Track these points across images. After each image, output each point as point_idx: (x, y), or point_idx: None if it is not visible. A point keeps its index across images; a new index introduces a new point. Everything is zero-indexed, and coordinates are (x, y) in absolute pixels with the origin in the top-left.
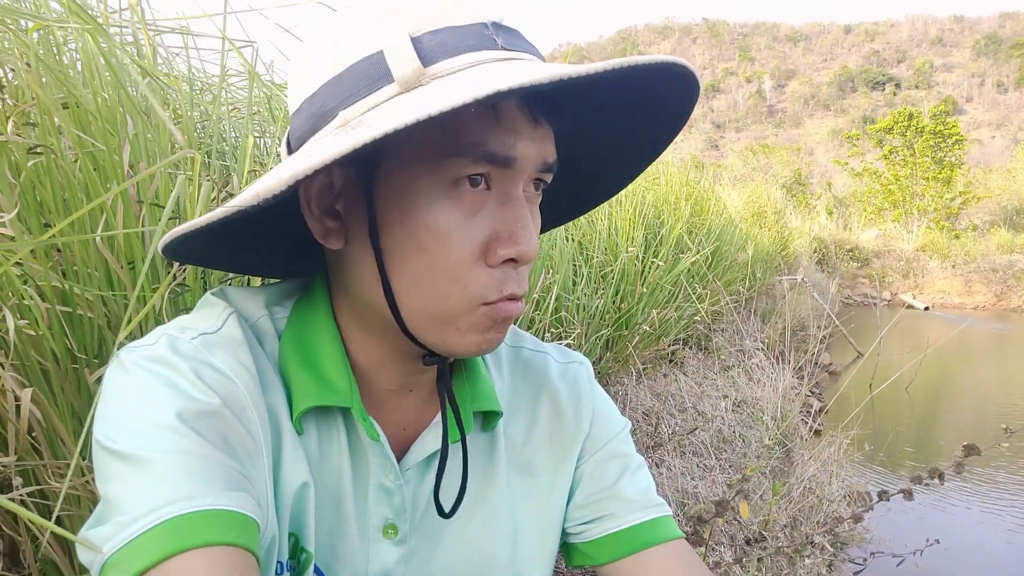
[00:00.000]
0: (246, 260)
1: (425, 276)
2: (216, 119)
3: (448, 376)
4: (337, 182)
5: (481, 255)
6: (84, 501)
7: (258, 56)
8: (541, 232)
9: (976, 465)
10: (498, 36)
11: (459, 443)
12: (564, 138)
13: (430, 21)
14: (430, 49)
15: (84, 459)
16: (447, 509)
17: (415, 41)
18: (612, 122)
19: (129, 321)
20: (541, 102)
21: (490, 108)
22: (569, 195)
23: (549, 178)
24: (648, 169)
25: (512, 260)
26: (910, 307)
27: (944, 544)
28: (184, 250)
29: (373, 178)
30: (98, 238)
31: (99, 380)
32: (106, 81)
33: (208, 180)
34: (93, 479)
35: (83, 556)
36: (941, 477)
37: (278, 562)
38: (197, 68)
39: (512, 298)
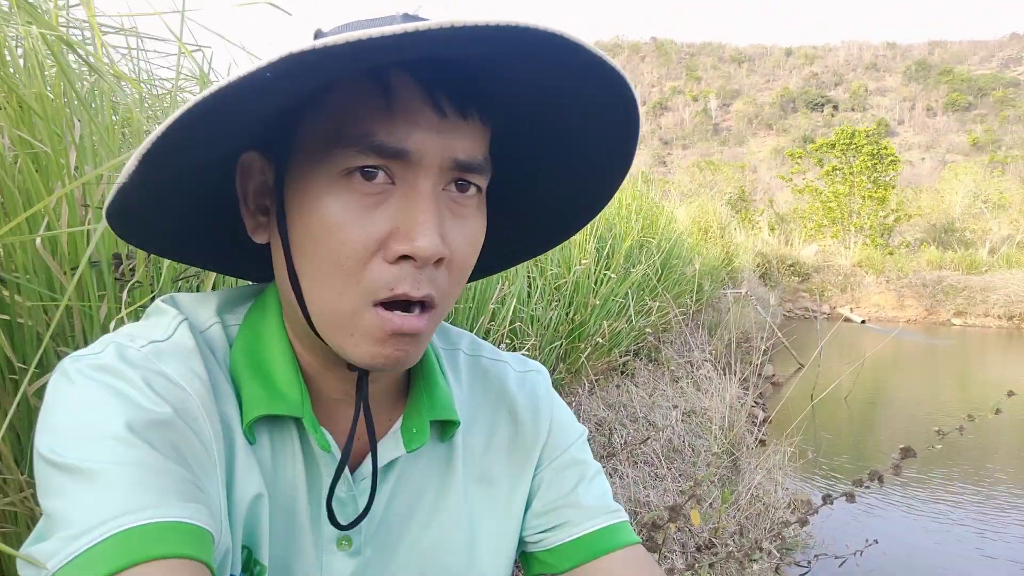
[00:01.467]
0: (213, 258)
1: (322, 270)
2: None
3: (366, 386)
4: (269, 178)
5: (379, 250)
6: (22, 518)
7: (211, 61)
8: (515, 263)
9: (910, 469)
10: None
11: (414, 454)
12: (520, 163)
13: (342, 18)
14: None
15: (23, 474)
16: (344, 522)
17: (319, 36)
18: (564, 144)
19: (73, 329)
20: (456, 93)
21: (382, 96)
22: (539, 225)
23: (477, 179)
24: None
25: (410, 258)
26: (848, 320)
27: (882, 544)
28: (136, 232)
29: (285, 172)
30: (39, 240)
31: (39, 392)
32: (51, 80)
33: None
34: (33, 495)
35: (25, 573)
36: (880, 480)
37: (231, 575)
38: (146, 71)
39: (407, 299)
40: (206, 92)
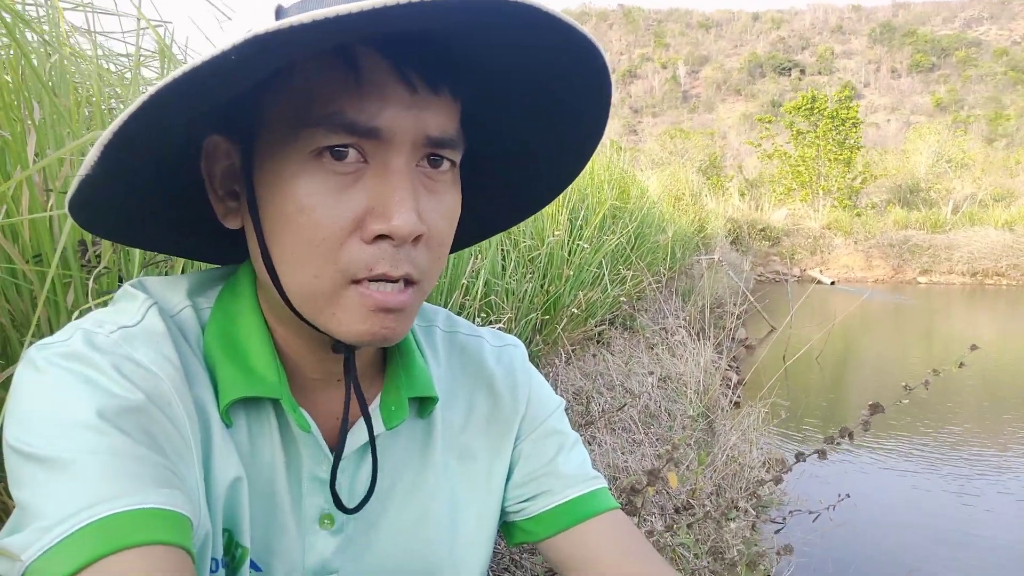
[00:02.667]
0: (181, 244)
1: (296, 252)
2: (129, 101)
3: (354, 366)
4: (236, 162)
5: (355, 230)
6: None
7: (173, 35)
8: (492, 234)
9: (879, 426)
10: None
11: (393, 431)
12: (496, 132)
13: None
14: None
15: None
16: (351, 505)
17: (282, 13)
18: (536, 114)
19: (38, 321)
20: (426, 68)
21: (350, 74)
22: (512, 194)
23: (450, 154)
24: None
25: (387, 237)
26: (818, 282)
27: (854, 499)
28: (100, 222)
29: (252, 154)
30: None
31: (4, 383)
32: (9, 61)
33: None
34: (3, 488)
35: None
36: (851, 436)
37: (212, 559)
38: (103, 48)
39: (386, 279)
40: (165, 80)
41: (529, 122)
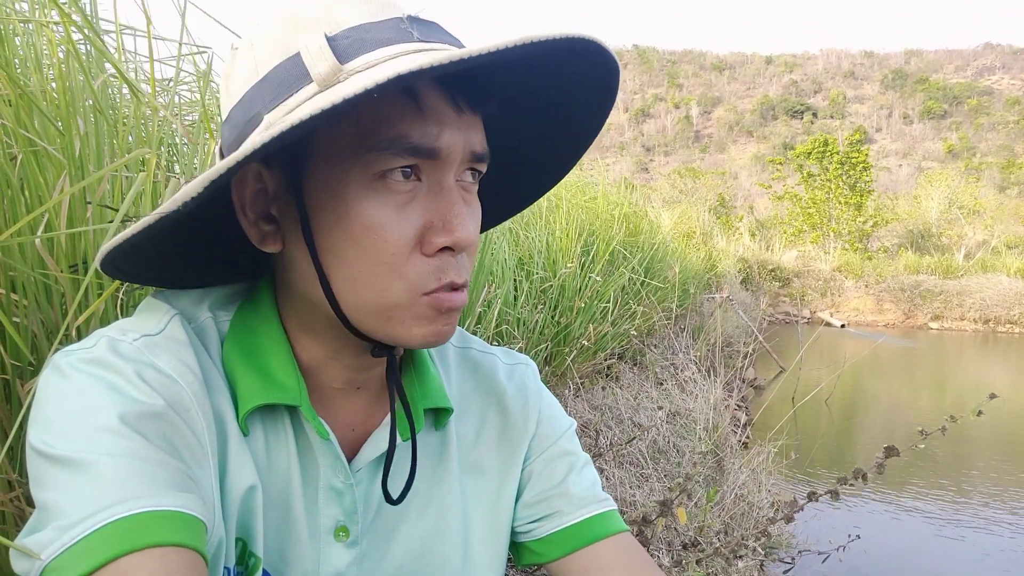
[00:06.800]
0: (189, 275)
1: (362, 270)
2: (168, 120)
3: (397, 370)
4: (270, 186)
5: (417, 245)
6: (11, 517)
7: (210, 62)
8: (496, 224)
9: (891, 472)
10: (414, 29)
11: (408, 443)
12: (499, 127)
13: (346, 20)
14: (346, 46)
15: (15, 472)
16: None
17: (331, 40)
18: (543, 108)
19: (67, 329)
20: (466, 90)
21: (411, 99)
22: (511, 187)
23: (483, 167)
24: (585, 188)
25: (448, 248)
26: (828, 324)
27: (864, 543)
28: (125, 267)
29: (302, 178)
30: (38, 240)
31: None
32: (61, 75)
33: (174, 176)
34: (23, 494)
35: (19, 565)
36: (864, 477)
37: (225, 568)
38: (145, 71)
39: (452, 287)
40: (258, 142)
41: (530, 126)
